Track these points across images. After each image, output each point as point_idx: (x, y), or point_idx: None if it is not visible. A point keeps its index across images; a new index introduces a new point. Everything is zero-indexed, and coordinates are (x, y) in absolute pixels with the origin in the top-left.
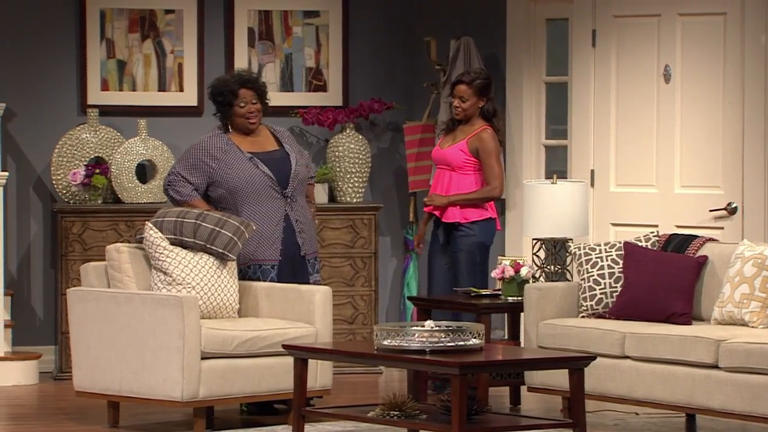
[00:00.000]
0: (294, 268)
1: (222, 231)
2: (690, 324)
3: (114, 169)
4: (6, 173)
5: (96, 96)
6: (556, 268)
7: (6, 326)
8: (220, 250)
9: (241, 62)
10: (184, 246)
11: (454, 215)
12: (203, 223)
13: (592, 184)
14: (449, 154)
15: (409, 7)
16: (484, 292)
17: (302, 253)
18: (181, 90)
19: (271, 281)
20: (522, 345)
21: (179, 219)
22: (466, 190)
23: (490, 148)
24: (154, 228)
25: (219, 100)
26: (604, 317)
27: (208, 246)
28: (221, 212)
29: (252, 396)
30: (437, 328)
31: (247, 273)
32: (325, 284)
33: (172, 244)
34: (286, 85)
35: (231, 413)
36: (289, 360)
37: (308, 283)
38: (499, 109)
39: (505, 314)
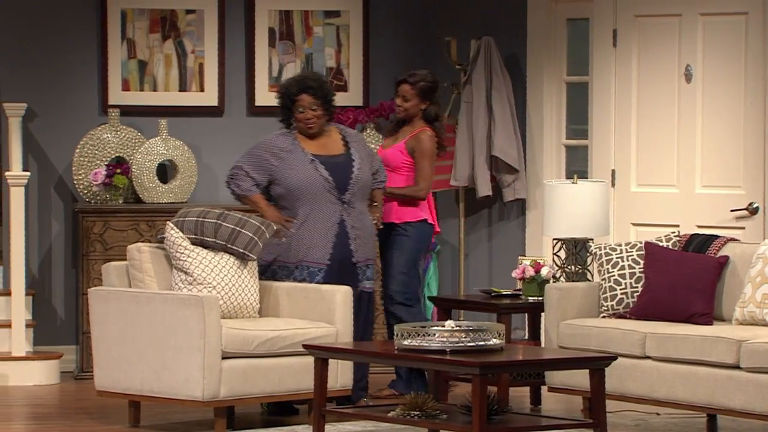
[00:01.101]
0: (342, 274)
1: (243, 231)
2: (711, 324)
3: (135, 168)
4: (27, 173)
5: (117, 96)
6: (577, 268)
7: (27, 326)
8: (241, 250)
9: (261, 62)
10: (205, 246)
11: (388, 215)
12: (224, 223)
13: (613, 184)
14: (389, 154)
15: (430, 6)
16: (504, 291)
17: (354, 259)
18: (202, 90)
19: (316, 284)
20: (542, 345)
21: (200, 219)
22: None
23: (425, 149)
24: (175, 228)
25: (281, 102)
26: (625, 317)
27: (228, 246)
28: (242, 213)
29: (272, 396)
30: (458, 328)
31: (293, 273)
32: (347, 287)
33: (193, 243)
34: None
35: (252, 413)
36: (310, 360)
37: (355, 289)
38: (442, 115)
39: (526, 314)
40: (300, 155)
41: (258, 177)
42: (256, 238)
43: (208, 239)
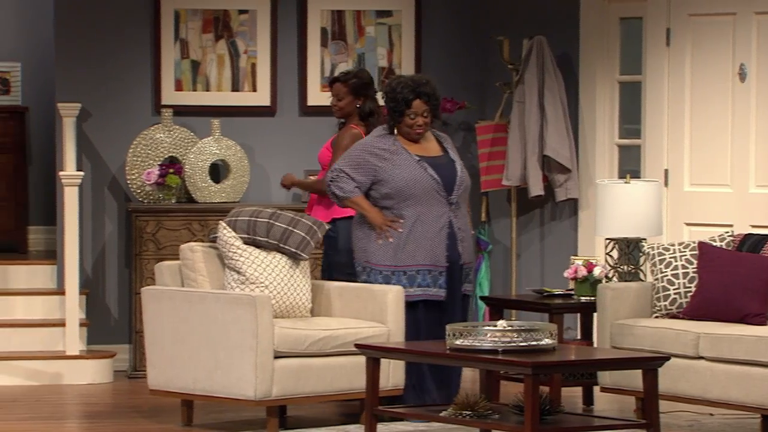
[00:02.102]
0: (452, 276)
1: (295, 230)
2: (765, 324)
3: (188, 168)
4: (81, 173)
5: (170, 96)
6: (630, 268)
7: (81, 325)
8: (293, 250)
9: (313, 62)
10: (257, 245)
11: (318, 215)
12: (276, 223)
13: (666, 184)
14: (320, 153)
15: (482, 6)
16: (556, 291)
17: (461, 261)
18: (254, 90)
19: (439, 288)
20: (595, 345)
21: (252, 218)
22: None
23: (341, 143)
24: (227, 227)
25: (391, 105)
26: (678, 317)
27: (281, 245)
28: (294, 212)
29: (324, 395)
30: (509, 328)
31: (413, 277)
32: (399, 286)
33: (245, 243)
34: None
35: (303, 413)
36: (362, 359)
37: (460, 290)
38: (378, 110)
39: (578, 314)
40: (406, 156)
41: (360, 179)
42: (308, 238)
43: (260, 239)
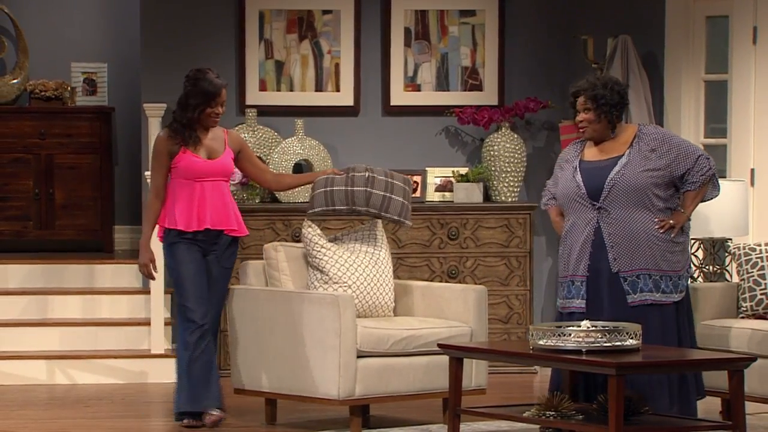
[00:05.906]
0: (605, 286)
1: (393, 197)
2: None
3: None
4: None
5: (254, 96)
6: (715, 268)
7: (166, 324)
8: (396, 218)
9: (397, 62)
10: (358, 214)
11: (239, 226)
12: (374, 191)
13: (752, 183)
14: (226, 164)
15: (566, 5)
16: None
17: (614, 269)
18: (338, 90)
19: (582, 299)
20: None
21: (349, 188)
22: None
23: (244, 140)
24: (312, 225)
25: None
26: (765, 318)
27: (382, 214)
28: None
29: (407, 395)
30: (593, 328)
31: (562, 288)
32: (482, 286)
33: (345, 214)
34: (442, 84)
35: (386, 412)
36: (444, 359)
37: (618, 300)
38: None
39: None
40: (572, 162)
41: (553, 189)
42: (406, 203)
43: (360, 209)
